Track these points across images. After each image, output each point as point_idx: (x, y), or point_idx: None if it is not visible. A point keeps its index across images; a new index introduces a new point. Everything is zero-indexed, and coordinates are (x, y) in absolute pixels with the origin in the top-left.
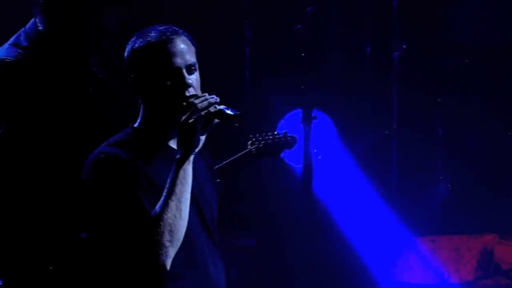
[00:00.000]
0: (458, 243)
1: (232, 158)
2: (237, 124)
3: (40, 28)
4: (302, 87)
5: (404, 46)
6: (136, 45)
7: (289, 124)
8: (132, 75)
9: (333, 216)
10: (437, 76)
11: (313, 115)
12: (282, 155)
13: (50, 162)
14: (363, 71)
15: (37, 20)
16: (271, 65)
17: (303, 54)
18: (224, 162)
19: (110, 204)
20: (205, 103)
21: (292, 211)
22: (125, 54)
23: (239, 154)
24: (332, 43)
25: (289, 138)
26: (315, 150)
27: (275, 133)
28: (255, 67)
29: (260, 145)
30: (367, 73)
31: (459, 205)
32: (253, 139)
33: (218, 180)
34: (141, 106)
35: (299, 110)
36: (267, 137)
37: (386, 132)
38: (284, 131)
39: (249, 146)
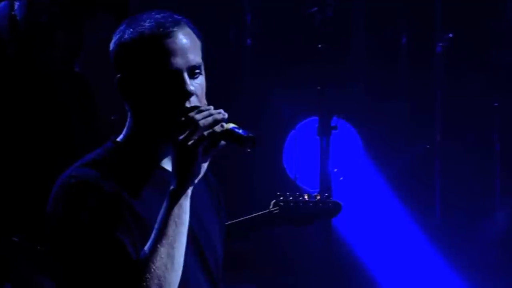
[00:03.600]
0: None
1: (246, 217)
2: (249, 150)
3: (14, 13)
4: (319, 88)
5: (450, 35)
6: (126, 36)
7: (301, 135)
8: (119, 75)
9: (359, 255)
10: (492, 74)
11: (332, 124)
12: (293, 177)
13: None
14: (397, 68)
15: (15, 6)
16: (278, 59)
17: (320, 46)
18: (236, 221)
19: (81, 246)
20: (210, 119)
21: (305, 249)
22: (111, 47)
23: (256, 214)
24: (357, 32)
25: (330, 205)
26: (335, 170)
27: (314, 195)
28: (258, 62)
29: (287, 208)
30: (402, 70)
31: None
32: (280, 198)
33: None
34: (129, 114)
35: (315, 117)
36: (299, 199)
37: (428, 147)
38: (326, 195)
39: (271, 206)
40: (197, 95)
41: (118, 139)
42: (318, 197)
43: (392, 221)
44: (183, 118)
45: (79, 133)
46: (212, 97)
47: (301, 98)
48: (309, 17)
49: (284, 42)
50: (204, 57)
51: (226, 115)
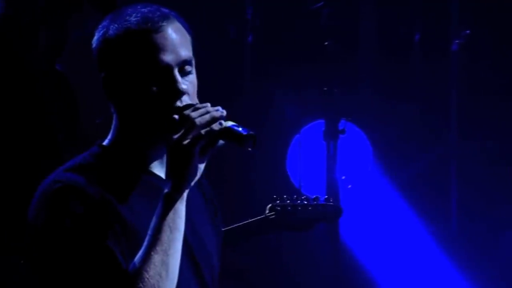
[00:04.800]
0: None
1: (240, 224)
2: (250, 149)
3: None
4: (325, 88)
5: (468, 32)
6: (110, 32)
7: (306, 140)
8: (103, 74)
9: (369, 269)
10: None
11: (340, 127)
12: (298, 186)
13: None
14: (410, 67)
15: None
16: (281, 57)
17: (326, 43)
18: (229, 228)
19: (67, 255)
20: (207, 117)
21: (310, 262)
22: (94, 44)
23: (250, 220)
24: (366, 27)
25: (329, 208)
26: (343, 177)
27: (313, 198)
28: (259, 61)
29: (285, 213)
30: (415, 69)
31: None
32: (277, 202)
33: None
34: (114, 116)
35: (321, 121)
36: (296, 203)
37: (443, 152)
38: (325, 197)
39: (267, 211)
40: (188, 94)
41: (104, 143)
42: (318, 201)
43: (404, 233)
44: (176, 116)
45: (62, 136)
46: (210, 98)
47: (306, 100)
48: (315, 12)
49: (288, 39)
50: (196, 54)
51: (225, 112)
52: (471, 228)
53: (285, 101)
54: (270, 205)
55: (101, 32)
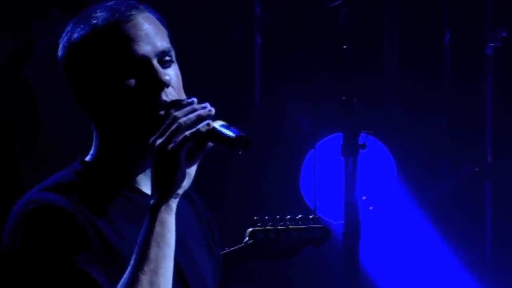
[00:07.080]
0: None
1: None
2: (241, 152)
3: None
4: (344, 98)
5: (504, 34)
6: (75, 35)
7: (323, 155)
8: (72, 83)
9: None
10: None
11: (360, 142)
12: (312, 207)
13: None
14: (439, 73)
15: None
16: (294, 62)
17: (345, 46)
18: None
19: (45, 281)
20: (192, 117)
21: None
22: (59, 53)
23: (228, 250)
24: (390, 29)
25: (316, 232)
26: (363, 197)
27: (298, 218)
28: (269, 66)
29: (266, 239)
30: (445, 76)
31: None
32: (257, 226)
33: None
34: (95, 132)
35: (339, 134)
36: (279, 226)
37: (476, 169)
38: (311, 217)
39: (247, 238)
40: (173, 87)
41: (86, 159)
42: (303, 222)
43: (432, 260)
44: (162, 112)
45: (19, 147)
46: (214, 108)
47: (322, 111)
48: (332, 11)
49: (301, 41)
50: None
51: (213, 110)
52: (507, 256)
53: (299, 112)
54: (250, 229)
55: (65, 38)
